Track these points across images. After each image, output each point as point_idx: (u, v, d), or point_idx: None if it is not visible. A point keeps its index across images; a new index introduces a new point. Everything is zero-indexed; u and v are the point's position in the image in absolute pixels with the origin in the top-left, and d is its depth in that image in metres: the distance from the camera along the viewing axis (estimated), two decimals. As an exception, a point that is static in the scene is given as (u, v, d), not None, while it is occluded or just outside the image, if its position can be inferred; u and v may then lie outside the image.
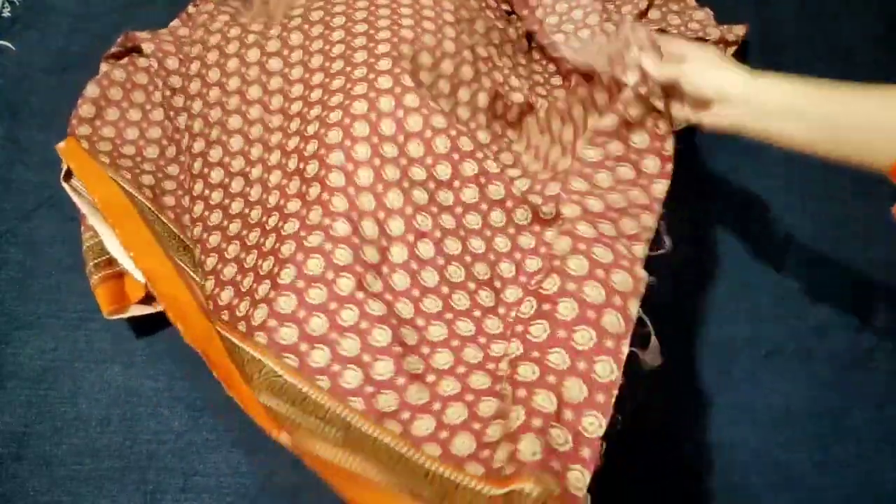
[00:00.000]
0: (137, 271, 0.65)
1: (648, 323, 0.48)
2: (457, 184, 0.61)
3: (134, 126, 0.72)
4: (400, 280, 0.57)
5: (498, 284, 0.59)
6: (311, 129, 0.63)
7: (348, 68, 0.65)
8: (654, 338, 0.48)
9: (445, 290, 0.58)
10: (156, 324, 0.67)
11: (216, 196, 0.67)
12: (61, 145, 0.68)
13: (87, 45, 0.84)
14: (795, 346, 0.67)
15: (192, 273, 0.65)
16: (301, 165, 0.62)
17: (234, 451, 0.63)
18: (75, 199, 0.69)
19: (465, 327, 0.56)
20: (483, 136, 0.67)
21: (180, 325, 0.58)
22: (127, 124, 0.72)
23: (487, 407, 0.50)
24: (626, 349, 0.48)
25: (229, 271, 0.61)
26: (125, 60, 0.75)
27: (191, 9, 0.79)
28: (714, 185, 0.76)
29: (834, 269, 0.71)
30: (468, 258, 0.59)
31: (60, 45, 0.84)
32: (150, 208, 0.66)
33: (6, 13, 0.86)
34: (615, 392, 0.47)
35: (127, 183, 0.67)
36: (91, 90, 0.71)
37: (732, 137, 0.78)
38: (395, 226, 0.58)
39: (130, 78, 0.73)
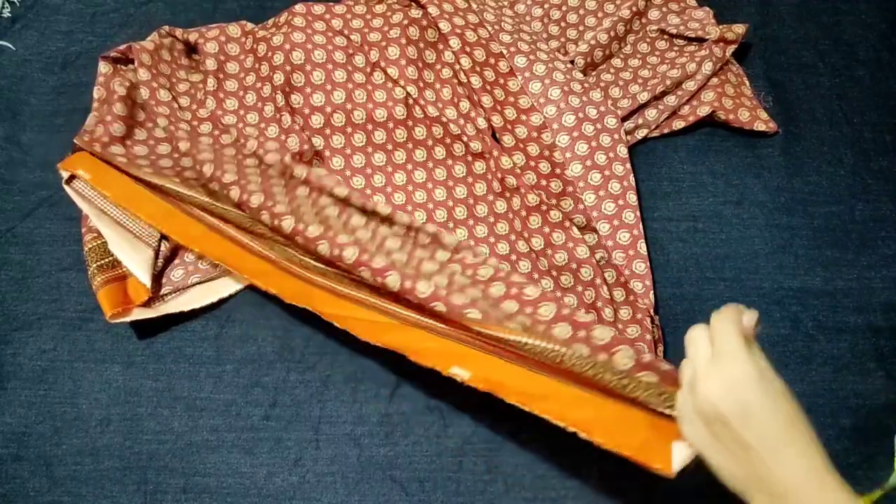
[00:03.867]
0: (143, 273, 0.65)
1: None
2: None
3: (164, 143, 0.73)
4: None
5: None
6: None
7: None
8: None
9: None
10: (156, 324, 0.67)
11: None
12: (77, 171, 0.67)
13: (87, 45, 0.84)
14: (795, 346, 0.67)
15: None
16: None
17: (234, 451, 0.63)
18: (77, 200, 0.69)
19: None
20: None
21: (274, 289, 0.64)
22: (157, 142, 0.73)
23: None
24: None
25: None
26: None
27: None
28: (712, 184, 0.76)
29: (833, 270, 0.71)
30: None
31: (60, 45, 0.84)
32: (209, 201, 0.68)
33: (6, 13, 0.86)
34: None
35: (178, 185, 0.68)
36: (119, 108, 0.71)
37: (729, 136, 0.78)
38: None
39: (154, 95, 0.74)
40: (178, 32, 0.79)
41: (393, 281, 0.58)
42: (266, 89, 0.76)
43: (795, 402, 0.41)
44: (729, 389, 0.40)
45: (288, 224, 0.62)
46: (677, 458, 0.46)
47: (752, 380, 0.40)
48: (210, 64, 0.77)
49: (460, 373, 0.54)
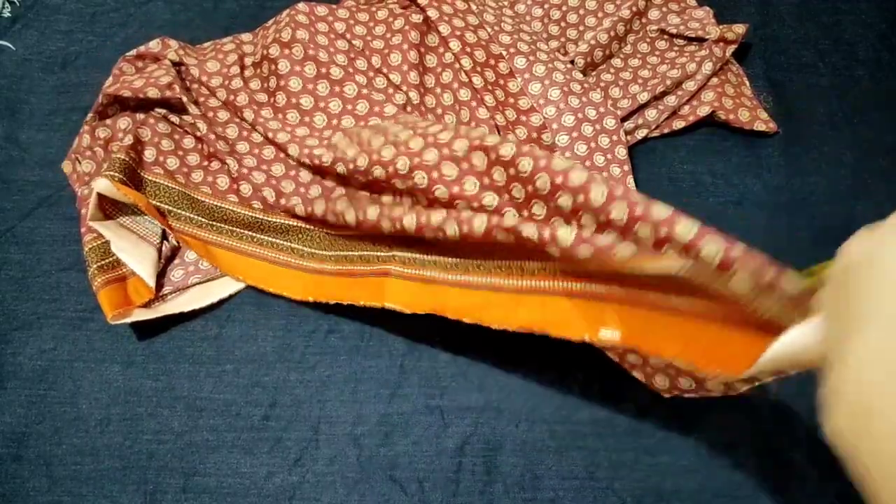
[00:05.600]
0: (148, 275, 0.66)
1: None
2: None
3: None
4: None
5: None
6: None
7: None
8: None
9: None
10: (156, 324, 0.67)
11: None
12: (111, 189, 0.67)
13: (87, 44, 0.84)
14: (795, 346, 0.67)
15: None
16: None
17: (234, 451, 0.63)
18: (78, 190, 0.69)
19: None
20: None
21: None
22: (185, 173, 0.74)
23: None
24: None
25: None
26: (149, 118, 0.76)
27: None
28: (712, 183, 0.76)
29: (834, 269, 0.71)
30: None
31: (60, 44, 0.84)
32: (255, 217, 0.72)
33: (6, 13, 0.86)
34: None
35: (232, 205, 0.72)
36: (128, 139, 0.72)
37: (729, 136, 0.78)
38: None
39: (175, 132, 0.75)
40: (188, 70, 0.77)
41: (531, 231, 0.51)
42: (280, 98, 0.76)
43: None
44: (874, 241, 0.34)
45: (410, 221, 0.59)
46: (768, 354, 0.40)
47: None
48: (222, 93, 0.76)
49: (610, 335, 0.49)
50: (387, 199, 0.66)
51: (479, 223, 0.55)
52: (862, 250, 0.35)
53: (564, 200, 0.53)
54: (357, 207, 0.66)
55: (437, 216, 0.58)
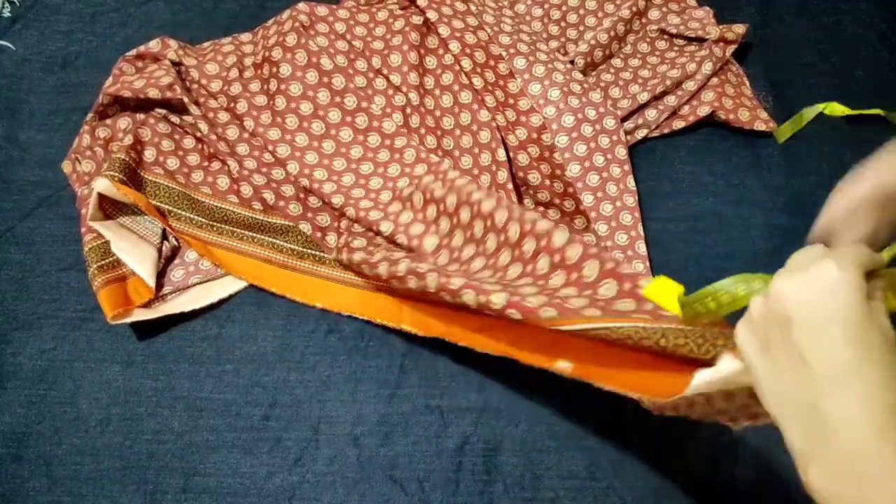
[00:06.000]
0: (148, 275, 0.66)
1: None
2: None
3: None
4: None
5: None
6: None
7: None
8: None
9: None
10: (156, 324, 0.67)
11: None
12: (112, 189, 0.67)
13: (87, 44, 0.84)
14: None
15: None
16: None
17: (234, 451, 0.63)
18: (78, 190, 0.69)
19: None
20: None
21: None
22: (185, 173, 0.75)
23: None
24: None
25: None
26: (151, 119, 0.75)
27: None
28: (712, 183, 0.76)
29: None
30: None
31: (60, 44, 0.84)
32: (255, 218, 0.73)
33: (6, 13, 0.86)
34: None
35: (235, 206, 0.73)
36: (128, 139, 0.72)
37: (729, 136, 0.78)
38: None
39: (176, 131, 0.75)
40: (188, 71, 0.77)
41: (470, 298, 0.55)
42: (279, 101, 0.75)
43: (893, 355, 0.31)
44: (811, 289, 0.33)
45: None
46: (698, 379, 0.42)
47: (846, 292, 0.32)
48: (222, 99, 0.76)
49: (564, 366, 0.53)
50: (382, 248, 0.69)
51: (432, 279, 0.58)
52: (798, 299, 0.33)
53: (529, 246, 0.58)
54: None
55: (402, 266, 0.61)
